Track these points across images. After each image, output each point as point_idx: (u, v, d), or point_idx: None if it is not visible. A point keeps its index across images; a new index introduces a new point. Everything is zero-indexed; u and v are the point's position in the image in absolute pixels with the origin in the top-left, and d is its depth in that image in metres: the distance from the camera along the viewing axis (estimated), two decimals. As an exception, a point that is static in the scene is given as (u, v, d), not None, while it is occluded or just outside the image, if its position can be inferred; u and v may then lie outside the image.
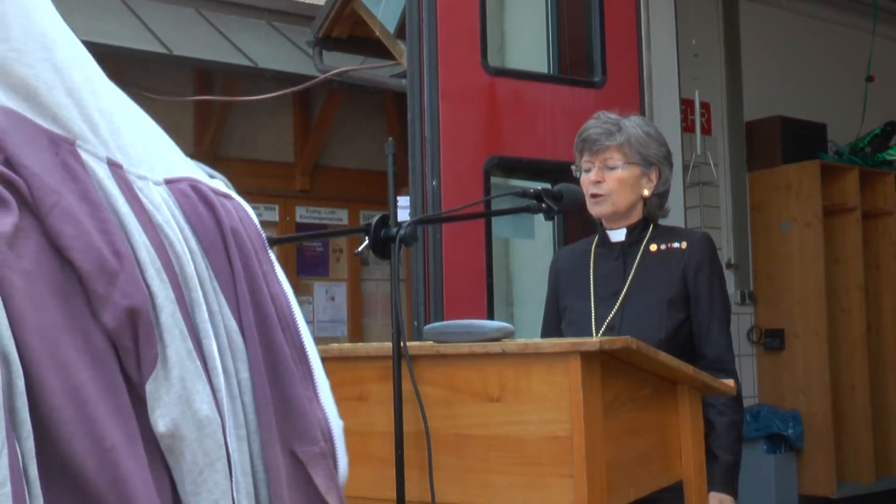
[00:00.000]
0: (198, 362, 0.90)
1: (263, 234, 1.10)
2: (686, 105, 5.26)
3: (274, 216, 7.21)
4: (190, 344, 0.89)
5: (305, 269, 7.33)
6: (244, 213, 1.09)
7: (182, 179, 1.01)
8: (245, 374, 0.94)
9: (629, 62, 4.07)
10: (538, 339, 1.80)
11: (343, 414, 1.88)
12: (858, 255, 6.09)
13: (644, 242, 2.37)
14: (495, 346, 1.68)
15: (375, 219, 1.77)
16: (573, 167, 2.43)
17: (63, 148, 0.88)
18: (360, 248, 1.81)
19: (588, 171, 2.36)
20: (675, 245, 2.34)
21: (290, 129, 7.41)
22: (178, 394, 0.87)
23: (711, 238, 2.41)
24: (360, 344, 2.06)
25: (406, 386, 1.70)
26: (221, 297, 0.95)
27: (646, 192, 2.37)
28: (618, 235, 2.39)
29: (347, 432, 1.85)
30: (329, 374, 1.96)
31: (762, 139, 6.12)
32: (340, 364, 1.89)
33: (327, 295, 7.45)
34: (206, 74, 6.92)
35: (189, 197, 0.98)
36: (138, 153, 0.97)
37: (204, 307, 0.92)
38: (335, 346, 1.93)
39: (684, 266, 2.32)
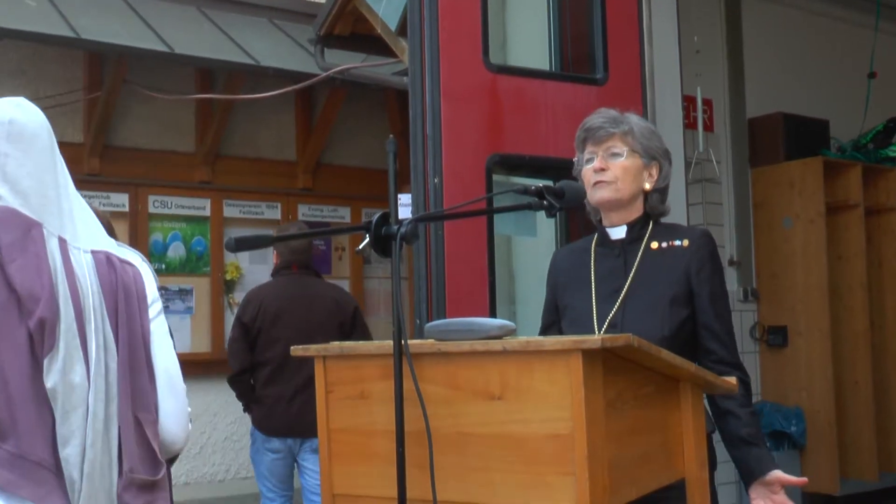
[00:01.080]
0: (80, 352, 1.81)
1: (147, 288, 1.99)
2: (688, 102, 5.25)
3: (276, 214, 7.21)
4: (77, 341, 1.81)
5: (307, 267, 7.33)
6: (137, 274, 1.98)
7: (100, 251, 1.94)
8: (113, 365, 1.86)
9: (631, 59, 4.06)
10: (540, 337, 1.79)
11: (344, 412, 1.89)
12: (861, 252, 6.08)
13: (645, 240, 2.36)
14: (497, 344, 1.67)
15: (376, 216, 1.77)
16: (574, 162, 2.42)
17: (34, 229, 1.84)
18: (360, 246, 1.81)
19: (591, 160, 2.35)
20: (677, 243, 2.33)
21: (291, 127, 7.41)
22: (60, 367, 1.78)
23: (712, 235, 2.40)
24: (360, 342, 2.05)
25: (407, 384, 1.70)
26: (107, 320, 1.87)
27: (647, 186, 2.37)
28: (618, 233, 2.39)
29: (349, 431, 1.86)
30: (330, 372, 1.96)
31: (765, 136, 6.11)
32: (342, 362, 1.89)
33: (330, 293, 7.44)
34: (207, 73, 6.92)
35: (101, 262, 1.91)
36: (79, 233, 1.92)
37: (92, 323, 1.84)
38: (336, 344, 1.93)
39: (687, 263, 2.31)
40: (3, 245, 1.79)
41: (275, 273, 4.93)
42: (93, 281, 1.87)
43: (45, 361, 1.76)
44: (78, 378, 1.79)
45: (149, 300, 1.97)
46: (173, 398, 1.95)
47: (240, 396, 4.81)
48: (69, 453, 1.76)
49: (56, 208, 1.89)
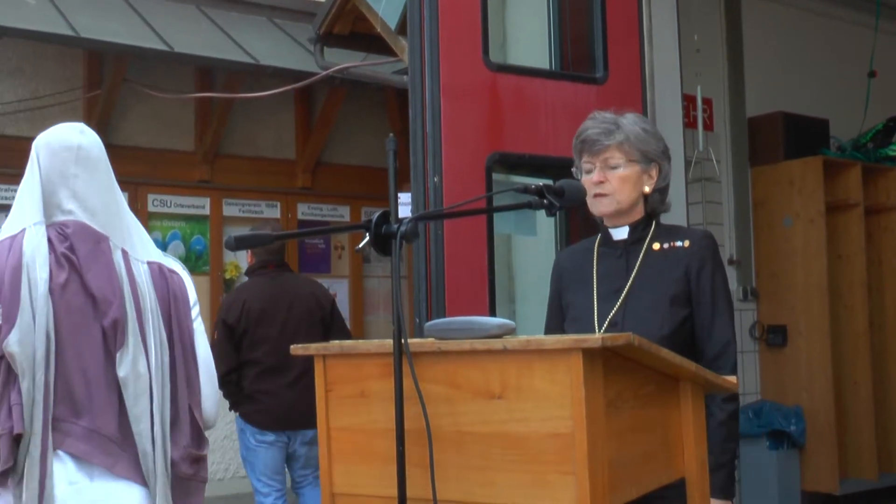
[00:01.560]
0: (141, 347, 2.18)
1: (189, 293, 2.36)
2: (688, 101, 5.25)
3: (275, 213, 7.21)
4: (139, 338, 2.18)
5: (307, 266, 7.33)
6: (181, 282, 2.35)
7: (154, 262, 2.31)
8: (166, 359, 2.24)
9: (631, 58, 4.06)
10: (540, 336, 1.79)
11: (344, 411, 1.89)
12: (861, 251, 6.08)
13: (647, 241, 2.36)
14: (497, 342, 1.67)
15: (376, 215, 1.76)
16: (573, 169, 2.42)
17: (102, 242, 2.22)
18: (360, 245, 1.80)
19: (589, 171, 2.35)
20: (678, 244, 2.34)
21: (291, 126, 7.41)
22: (130, 360, 2.16)
23: (713, 236, 2.40)
24: (360, 341, 2.05)
25: (407, 383, 1.70)
26: (160, 321, 2.23)
27: (647, 189, 2.37)
28: (620, 234, 2.39)
29: (349, 429, 1.86)
30: (330, 370, 1.96)
31: (765, 135, 6.11)
32: (341, 361, 1.88)
33: (329, 292, 7.44)
34: (207, 71, 6.92)
35: (154, 271, 2.28)
36: (136, 246, 2.29)
37: (150, 323, 2.21)
38: (336, 343, 1.93)
39: (687, 264, 2.31)
40: (81, 256, 2.18)
41: (250, 273, 4.98)
42: (150, 288, 2.25)
43: (118, 355, 2.16)
44: (142, 369, 2.18)
45: (191, 303, 2.36)
46: (210, 384, 2.35)
47: (227, 396, 4.81)
48: (141, 429, 2.15)
49: (118, 223, 2.26)
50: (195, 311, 2.37)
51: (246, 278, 5.29)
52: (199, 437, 2.27)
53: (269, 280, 4.86)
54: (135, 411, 2.15)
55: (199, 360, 2.32)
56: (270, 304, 4.77)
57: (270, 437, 4.78)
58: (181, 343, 2.27)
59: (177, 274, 2.34)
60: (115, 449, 2.14)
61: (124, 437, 2.15)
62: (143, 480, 2.16)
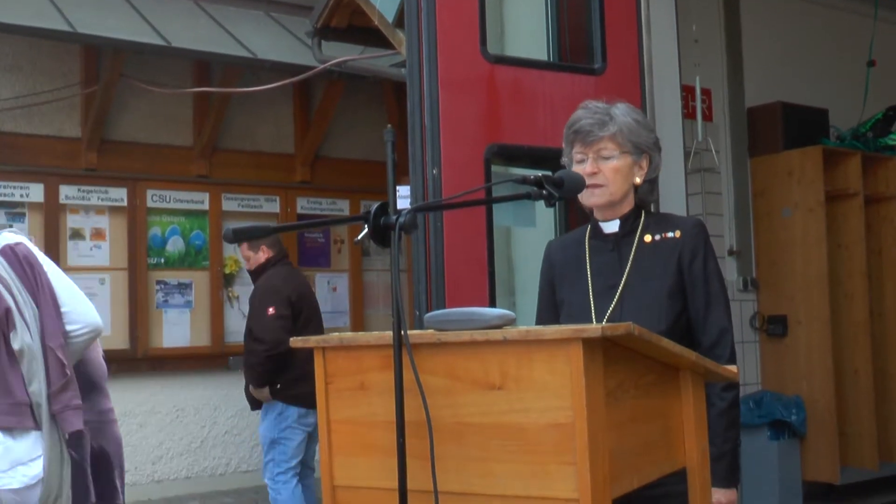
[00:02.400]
0: (24, 321, 2.83)
1: (34, 251, 2.92)
2: (687, 91, 5.24)
3: (275, 207, 7.20)
4: (20, 316, 2.82)
5: (307, 260, 7.33)
6: (27, 248, 2.91)
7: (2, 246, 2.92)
8: (35, 312, 2.86)
9: (629, 49, 4.05)
10: (540, 327, 1.79)
11: (344, 403, 1.89)
12: (861, 241, 6.07)
13: (638, 233, 2.36)
14: (496, 333, 1.66)
15: (375, 206, 1.76)
16: (563, 159, 2.41)
17: None
18: (359, 237, 1.80)
19: (581, 161, 2.34)
20: (670, 234, 2.33)
21: (289, 119, 7.40)
22: (20, 337, 2.81)
23: (703, 224, 2.40)
24: (360, 333, 2.05)
25: (407, 375, 1.69)
26: (24, 290, 2.85)
27: (637, 180, 2.37)
28: (611, 227, 2.38)
29: (349, 422, 1.86)
30: (330, 363, 1.95)
31: (764, 125, 6.10)
32: (341, 353, 1.88)
33: (329, 286, 7.45)
34: (204, 66, 6.90)
35: (6, 253, 2.88)
36: None
37: (20, 299, 2.84)
38: (335, 335, 1.92)
39: (679, 254, 2.31)
40: None
41: (275, 262, 5.29)
42: (8, 269, 2.84)
43: (11, 335, 2.80)
44: (28, 339, 2.81)
45: (40, 260, 2.91)
46: (73, 298, 2.94)
47: (272, 372, 4.95)
48: (34, 389, 2.79)
49: None
50: (45, 263, 2.92)
51: (247, 274, 5.45)
52: (61, 369, 2.84)
53: (294, 269, 5.45)
54: (28, 374, 2.80)
55: (60, 296, 2.89)
56: (307, 290, 5.39)
57: (313, 418, 4.93)
58: (44, 299, 2.85)
59: (20, 243, 2.90)
60: (24, 409, 2.79)
61: (25, 397, 2.79)
62: (37, 426, 2.79)
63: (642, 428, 1.79)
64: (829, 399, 5.76)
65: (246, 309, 5.62)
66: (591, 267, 2.37)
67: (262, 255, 5.26)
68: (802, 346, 5.89)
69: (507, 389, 1.66)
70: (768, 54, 6.22)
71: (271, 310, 5.04)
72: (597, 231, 2.41)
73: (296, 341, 1.96)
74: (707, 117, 5.83)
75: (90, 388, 3.11)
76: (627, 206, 2.37)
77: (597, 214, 2.40)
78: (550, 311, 2.46)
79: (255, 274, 5.29)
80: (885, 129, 6.39)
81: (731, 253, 5.98)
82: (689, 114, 5.44)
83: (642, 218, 2.38)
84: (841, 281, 6.08)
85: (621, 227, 2.37)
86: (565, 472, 1.60)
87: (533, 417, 1.63)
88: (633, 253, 2.34)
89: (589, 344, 1.59)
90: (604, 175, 2.32)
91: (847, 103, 6.34)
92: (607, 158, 2.32)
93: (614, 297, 2.31)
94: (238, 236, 1.74)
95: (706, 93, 5.83)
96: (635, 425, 1.76)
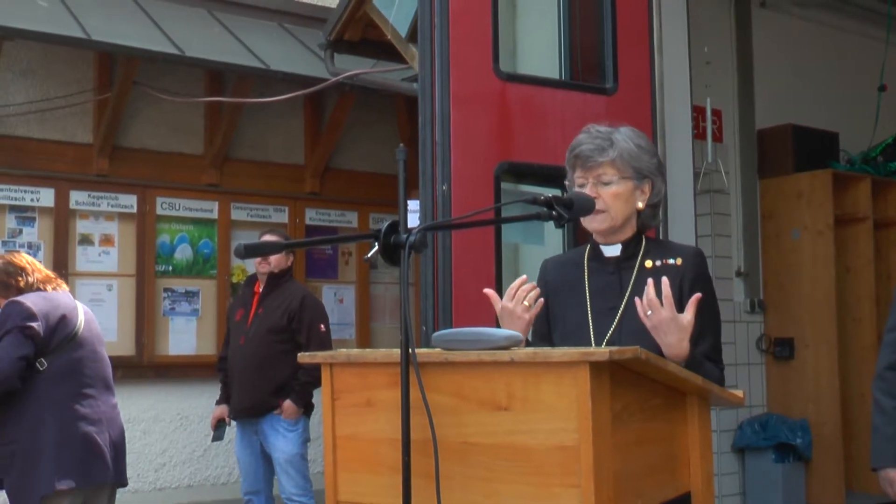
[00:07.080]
0: None
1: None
2: (698, 112, 5.24)
3: (283, 218, 7.22)
4: None
5: (314, 271, 7.34)
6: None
7: None
8: None
9: (641, 69, 4.05)
10: (547, 349, 1.79)
11: (350, 420, 1.89)
12: (869, 265, 6.06)
13: (639, 257, 2.36)
14: (504, 354, 1.67)
15: (385, 224, 1.76)
16: (566, 182, 2.42)
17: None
18: (369, 254, 1.80)
19: (582, 186, 2.35)
20: (671, 261, 2.33)
21: (300, 131, 7.42)
22: None
23: (703, 253, 2.40)
24: (368, 350, 2.05)
25: (414, 393, 1.70)
26: None
27: (640, 205, 2.37)
28: (612, 251, 2.38)
29: (354, 438, 1.85)
30: (337, 379, 1.96)
31: (774, 147, 6.10)
32: (348, 370, 1.88)
33: (335, 297, 7.45)
34: (217, 75, 6.93)
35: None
36: None
37: None
38: (343, 351, 1.93)
39: (680, 282, 2.31)
40: None
41: (293, 274, 5.46)
42: None
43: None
44: None
45: None
46: None
47: (312, 389, 5.06)
48: None
49: None
50: None
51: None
52: None
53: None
54: None
55: None
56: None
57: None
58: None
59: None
60: None
61: None
62: None
63: (647, 451, 1.79)
64: (835, 423, 5.74)
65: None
66: (589, 288, 2.37)
67: (289, 259, 5.31)
68: (809, 369, 5.87)
69: (513, 410, 1.66)
70: (779, 76, 6.23)
71: (322, 326, 5.17)
72: (597, 253, 2.40)
73: (303, 357, 1.97)
74: (717, 138, 5.83)
75: (105, 385, 3.74)
76: (630, 230, 2.37)
77: (598, 238, 2.41)
78: (540, 324, 2.45)
79: (276, 277, 5.22)
80: (895, 153, 6.38)
81: (738, 274, 5.96)
82: (699, 134, 5.44)
83: (643, 243, 2.38)
84: (849, 305, 6.06)
85: (623, 251, 2.37)
86: (570, 494, 1.60)
87: (539, 439, 1.63)
88: (633, 278, 2.34)
89: (596, 367, 1.60)
90: (603, 200, 2.32)
91: (857, 127, 6.34)
92: (607, 184, 2.32)
93: (614, 319, 2.31)
94: (249, 253, 1.75)
95: (717, 114, 5.83)
96: (640, 448, 1.76)
